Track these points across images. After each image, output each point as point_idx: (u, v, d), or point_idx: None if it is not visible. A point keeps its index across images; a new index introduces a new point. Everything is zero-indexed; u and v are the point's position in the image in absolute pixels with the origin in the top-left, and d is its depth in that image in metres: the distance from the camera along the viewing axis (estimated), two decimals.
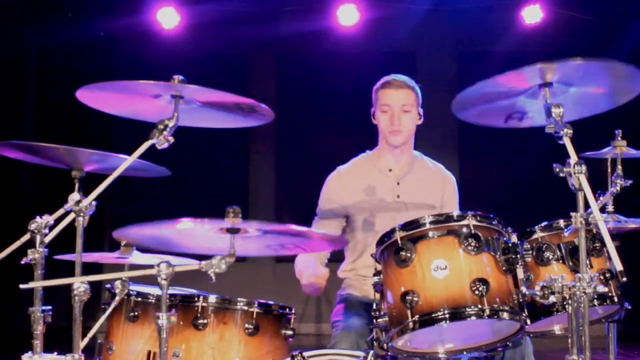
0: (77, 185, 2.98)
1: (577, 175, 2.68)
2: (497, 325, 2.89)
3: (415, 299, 2.78)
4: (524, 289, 2.85)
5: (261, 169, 8.55)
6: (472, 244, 2.82)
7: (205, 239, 2.80)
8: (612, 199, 3.32)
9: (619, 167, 3.35)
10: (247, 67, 8.52)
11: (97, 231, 7.13)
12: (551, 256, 3.03)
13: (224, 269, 2.60)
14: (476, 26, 7.90)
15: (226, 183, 8.23)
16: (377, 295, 2.95)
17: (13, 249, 2.94)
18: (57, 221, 2.86)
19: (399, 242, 2.86)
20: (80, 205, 2.74)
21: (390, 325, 2.84)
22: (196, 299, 3.09)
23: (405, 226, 2.89)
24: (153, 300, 3.25)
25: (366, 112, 4.02)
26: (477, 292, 2.76)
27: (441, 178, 4.06)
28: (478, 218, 2.87)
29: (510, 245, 2.87)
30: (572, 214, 2.71)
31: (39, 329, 2.84)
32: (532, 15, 7.62)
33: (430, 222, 2.87)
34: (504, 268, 2.85)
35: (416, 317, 2.77)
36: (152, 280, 2.69)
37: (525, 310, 2.86)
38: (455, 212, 2.93)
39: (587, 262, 2.72)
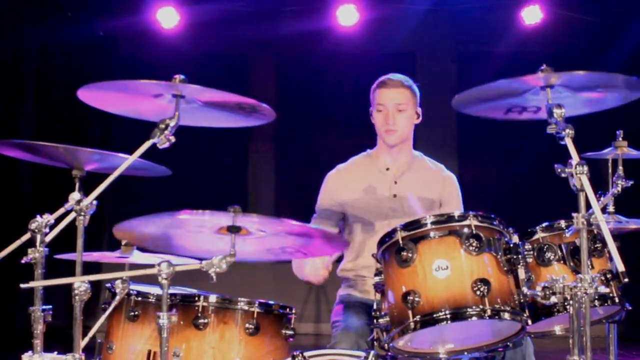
0: (77, 185, 2.98)
1: (579, 175, 2.68)
2: (498, 326, 2.89)
3: (417, 299, 2.78)
4: (525, 290, 2.84)
5: (261, 169, 8.54)
6: (474, 244, 2.81)
7: (206, 240, 2.80)
8: (613, 200, 3.32)
9: (620, 167, 3.36)
10: (247, 67, 8.50)
11: (97, 230, 7.11)
12: (552, 257, 3.02)
13: (224, 269, 2.59)
14: (476, 26, 7.88)
15: (226, 182, 8.22)
16: (378, 295, 2.95)
17: (13, 248, 2.94)
18: (58, 220, 2.85)
19: (401, 242, 2.86)
20: (81, 205, 2.74)
21: (391, 325, 2.84)
22: (197, 298, 3.08)
23: (407, 226, 2.89)
24: (153, 300, 3.24)
25: (366, 112, 4.03)
26: (478, 292, 2.76)
27: (441, 178, 4.05)
28: (479, 218, 2.87)
29: (511, 245, 2.87)
30: (574, 214, 2.71)
31: (39, 329, 2.84)
32: (532, 16, 7.60)
33: (432, 223, 2.87)
34: (505, 268, 2.84)
35: (417, 317, 2.77)
36: (152, 280, 2.68)
37: (527, 311, 2.86)
38: (457, 213, 2.93)
39: (589, 262, 2.72)
